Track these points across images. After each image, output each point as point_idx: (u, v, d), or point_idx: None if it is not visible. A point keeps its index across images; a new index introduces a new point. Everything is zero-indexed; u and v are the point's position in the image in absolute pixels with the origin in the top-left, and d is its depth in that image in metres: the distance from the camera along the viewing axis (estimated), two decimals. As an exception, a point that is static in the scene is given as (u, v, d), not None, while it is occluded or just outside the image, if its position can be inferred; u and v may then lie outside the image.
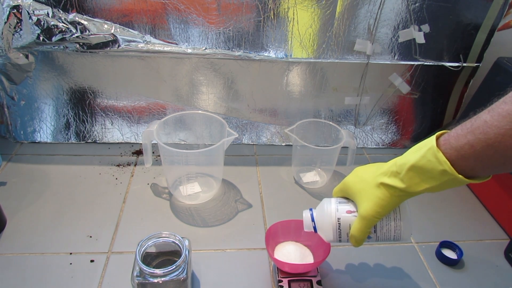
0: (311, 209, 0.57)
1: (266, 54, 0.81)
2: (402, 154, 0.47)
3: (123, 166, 0.84)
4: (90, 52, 0.77)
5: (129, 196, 0.76)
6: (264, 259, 0.65)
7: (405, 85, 0.87)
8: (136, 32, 0.76)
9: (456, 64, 0.85)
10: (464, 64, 0.86)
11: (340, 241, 0.53)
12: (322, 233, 0.55)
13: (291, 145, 0.84)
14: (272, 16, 0.77)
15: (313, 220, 0.55)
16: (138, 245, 0.52)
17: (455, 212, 0.79)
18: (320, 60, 0.83)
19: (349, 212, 0.52)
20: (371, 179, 0.49)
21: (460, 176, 0.40)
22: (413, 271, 0.65)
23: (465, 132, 0.40)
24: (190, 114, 0.81)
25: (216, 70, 0.83)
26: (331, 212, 0.53)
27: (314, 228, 0.55)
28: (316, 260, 0.62)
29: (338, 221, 0.52)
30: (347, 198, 0.54)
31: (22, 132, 0.88)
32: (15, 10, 0.71)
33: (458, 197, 0.83)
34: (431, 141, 0.42)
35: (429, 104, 0.93)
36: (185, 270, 0.52)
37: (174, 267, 0.50)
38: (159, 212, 0.73)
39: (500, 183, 0.76)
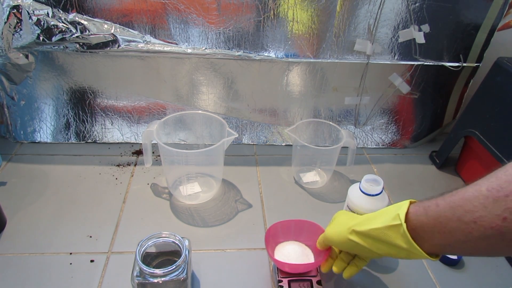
0: None
1: (266, 54, 0.81)
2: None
3: (123, 166, 0.84)
4: (90, 52, 0.77)
5: (129, 196, 0.76)
6: (264, 259, 0.65)
7: (405, 85, 0.87)
8: (136, 32, 0.76)
9: (456, 64, 0.85)
10: (464, 64, 0.86)
11: None
12: None
13: (291, 145, 0.84)
14: (272, 16, 0.77)
15: None
16: (138, 245, 0.52)
17: (455, 212, 0.79)
18: (320, 60, 0.83)
19: None
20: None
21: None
22: (413, 271, 0.65)
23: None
24: (190, 114, 0.81)
25: (216, 70, 0.83)
26: None
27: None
28: (316, 260, 0.62)
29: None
30: None
31: (22, 132, 0.88)
32: (15, 10, 0.71)
33: (458, 197, 0.83)
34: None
35: (429, 104, 0.93)
36: (185, 270, 0.52)
37: (174, 267, 0.50)
38: (159, 212, 0.73)
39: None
